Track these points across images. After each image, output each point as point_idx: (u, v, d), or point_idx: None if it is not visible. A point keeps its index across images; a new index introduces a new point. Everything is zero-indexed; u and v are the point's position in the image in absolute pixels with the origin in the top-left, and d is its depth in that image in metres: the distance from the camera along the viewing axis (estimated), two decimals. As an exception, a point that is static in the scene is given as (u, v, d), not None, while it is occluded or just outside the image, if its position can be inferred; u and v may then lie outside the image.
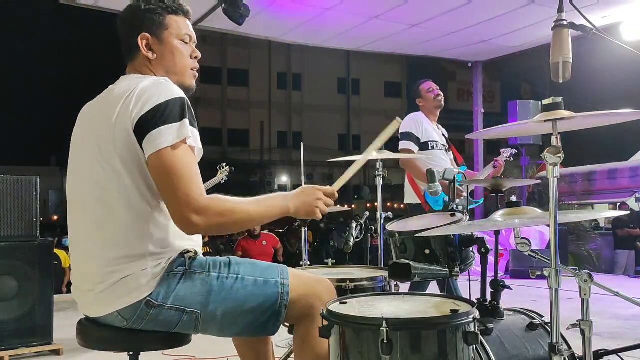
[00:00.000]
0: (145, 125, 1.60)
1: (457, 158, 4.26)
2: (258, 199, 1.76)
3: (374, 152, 2.12)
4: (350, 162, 2.08)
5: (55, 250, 7.16)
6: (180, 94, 1.67)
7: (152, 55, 1.81)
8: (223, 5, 5.75)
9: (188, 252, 1.72)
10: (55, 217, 26.81)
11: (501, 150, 4.21)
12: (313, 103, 32.77)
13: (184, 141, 1.62)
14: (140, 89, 1.65)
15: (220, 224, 1.64)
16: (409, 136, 4.02)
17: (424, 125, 4.09)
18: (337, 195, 1.86)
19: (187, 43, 1.87)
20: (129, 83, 1.73)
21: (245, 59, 30.52)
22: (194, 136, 1.66)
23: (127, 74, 1.84)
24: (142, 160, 1.63)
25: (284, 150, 31.04)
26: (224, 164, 4.69)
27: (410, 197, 4.15)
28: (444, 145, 4.14)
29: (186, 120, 1.63)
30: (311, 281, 1.85)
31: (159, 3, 1.84)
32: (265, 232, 8.81)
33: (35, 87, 31.73)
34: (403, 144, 4.03)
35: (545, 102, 1.69)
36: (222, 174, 4.64)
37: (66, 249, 10.69)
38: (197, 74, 1.91)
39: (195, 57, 1.90)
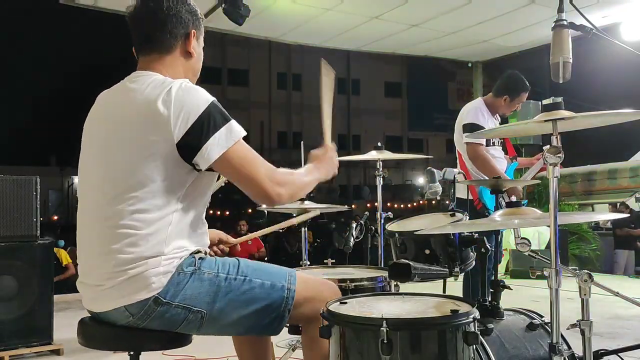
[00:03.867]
0: (192, 141, 1.63)
1: (509, 152, 4.09)
2: (306, 170, 1.91)
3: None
4: (351, 162, 2.13)
5: (55, 249, 7.19)
6: (210, 96, 1.71)
7: (194, 54, 1.84)
8: (223, 5, 5.74)
9: (198, 252, 1.74)
10: (55, 217, 26.82)
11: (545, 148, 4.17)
12: (313, 103, 32.53)
13: (236, 141, 1.68)
14: (175, 97, 1.65)
15: (295, 192, 1.79)
16: (478, 128, 3.74)
17: (486, 117, 3.87)
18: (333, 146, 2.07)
19: None
20: (153, 83, 1.71)
21: (245, 59, 30.56)
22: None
23: (145, 69, 1.79)
24: (175, 168, 1.65)
25: (284, 150, 31.04)
26: None
27: (461, 191, 3.70)
28: (499, 140, 3.95)
29: (232, 122, 1.69)
30: (317, 284, 1.88)
31: (190, 3, 1.84)
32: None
33: (35, 87, 31.73)
34: (470, 137, 3.70)
35: (545, 102, 1.70)
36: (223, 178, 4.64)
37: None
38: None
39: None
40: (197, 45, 1.86)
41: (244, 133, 1.72)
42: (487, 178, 3.63)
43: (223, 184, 4.80)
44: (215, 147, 1.64)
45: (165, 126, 1.63)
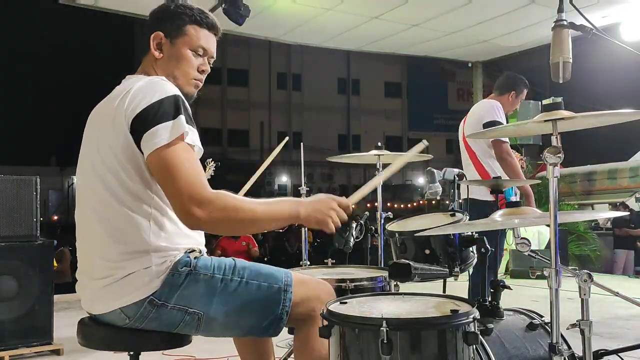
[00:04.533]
0: (140, 125, 1.61)
1: None
2: (267, 200, 1.69)
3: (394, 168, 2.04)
4: (350, 163, 2.10)
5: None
6: (175, 91, 1.67)
7: (158, 54, 1.82)
8: (223, 5, 5.74)
9: (193, 251, 1.73)
10: (55, 217, 26.83)
11: None
12: (313, 103, 32.78)
13: (181, 138, 1.61)
14: (135, 89, 1.66)
15: (224, 219, 1.59)
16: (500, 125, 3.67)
17: (503, 116, 3.93)
18: (351, 208, 1.78)
19: (199, 55, 1.86)
20: (128, 83, 1.75)
21: (245, 59, 30.56)
22: (191, 133, 1.64)
23: (135, 73, 1.85)
24: (140, 160, 1.64)
25: (284, 150, 31.01)
26: (209, 160, 4.71)
27: (479, 192, 3.69)
28: None
29: (181, 117, 1.61)
30: (313, 284, 1.85)
31: (187, 9, 1.84)
32: None
33: (35, 87, 31.73)
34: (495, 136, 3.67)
35: (545, 102, 1.70)
36: (209, 170, 4.69)
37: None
38: (200, 84, 1.90)
39: (203, 71, 1.88)
40: (170, 47, 1.82)
41: (186, 129, 1.60)
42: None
43: (209, 177, 4.81)
44: (152, 139, 1.58)
45: (122, 115, 1.63)
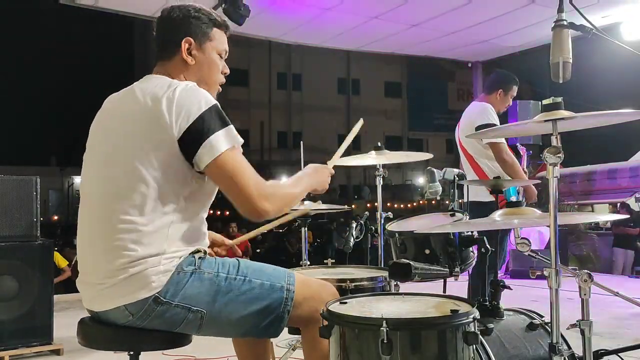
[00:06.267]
0: (193, 138, 1.65)
1: None
2: (294, 181, 1.89)
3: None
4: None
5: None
6: (213, 99, 1.72)
7: (191, 60, 1.84)
8: (223, 5, 5.74)
9: (198, 251, 1.75)
10: (55, 217, 26.86)
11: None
12: (313, 103, 32.77)
13: (234, 145, 1.69)
14: (178, 98, 1.67)
15: (282, 206, 1.78)
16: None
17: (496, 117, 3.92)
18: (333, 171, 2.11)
19: (222, 58, 1.91)
20: (160, 84, 1.74)
21: (245, 59, 30.55)
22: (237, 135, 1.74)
23: (155, 74, 1.84)
24: (181, 167, 1.67)
25: (284, 150, 31.05)
26: None
27: (481, 194, 3.65)
28: None
29: (231, 126, 1.70)
30: (316, 285, 1.87)
31: (206, 13, 1.87)
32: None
33: (35, 87, 31.73)
34: (490, 138, 3.72)
35: (545, 102, 1.69)
36: None
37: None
38: (220, 89, 1.95)
39: (224, 73, 1.94)
40: (200, 52, 1.85)
41: (242, 140, 1.72)
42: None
43: None
44: (213, 147, 1.64)
45: (167, 124, 1.65)
